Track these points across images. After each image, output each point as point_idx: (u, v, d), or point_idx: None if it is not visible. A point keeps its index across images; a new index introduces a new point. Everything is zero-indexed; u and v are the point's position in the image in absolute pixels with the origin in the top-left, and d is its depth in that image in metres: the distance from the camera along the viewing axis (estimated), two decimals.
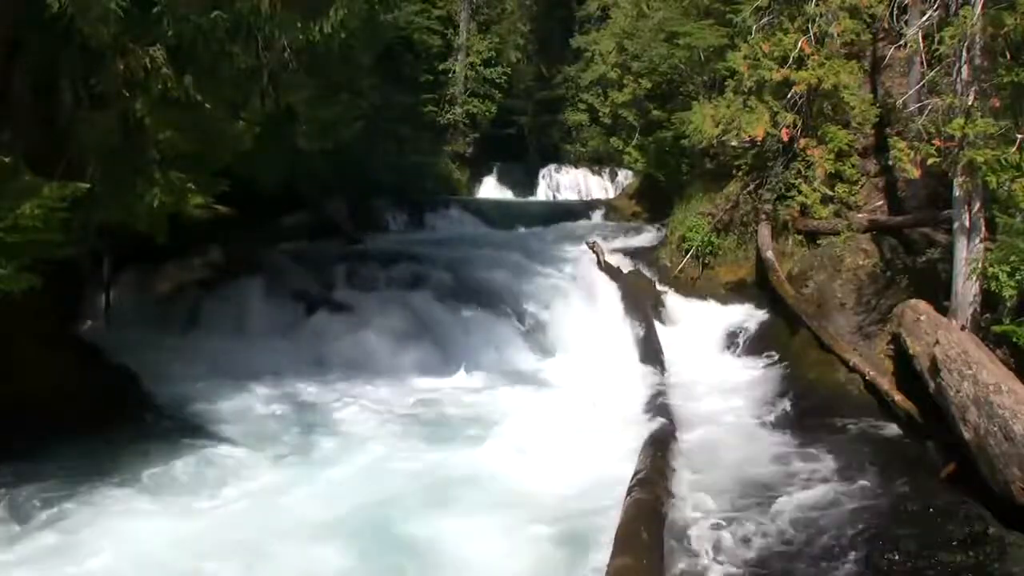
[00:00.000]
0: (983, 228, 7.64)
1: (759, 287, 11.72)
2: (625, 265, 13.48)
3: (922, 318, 7.92)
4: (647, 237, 15.78)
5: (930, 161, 7.82)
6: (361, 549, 5.65)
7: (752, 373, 10.01)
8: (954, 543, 5.76)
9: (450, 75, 24.31)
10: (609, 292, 12.49)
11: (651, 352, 10.58)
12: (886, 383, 8.46)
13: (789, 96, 11.66)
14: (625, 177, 23.45)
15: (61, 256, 6.43)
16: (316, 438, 7.84)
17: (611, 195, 23.41)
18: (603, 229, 17.35)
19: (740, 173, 12.81)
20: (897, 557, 5.65)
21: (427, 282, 11.84)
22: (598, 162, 25.34)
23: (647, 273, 13.14)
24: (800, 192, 11.86)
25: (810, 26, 11.51)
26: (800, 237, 11.79)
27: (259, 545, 5.68)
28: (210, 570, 5.41)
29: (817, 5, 11.45)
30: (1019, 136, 7.18)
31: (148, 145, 6.90)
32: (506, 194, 24.75)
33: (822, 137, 11.81)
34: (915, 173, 8.59)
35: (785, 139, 11.91)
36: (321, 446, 7.66)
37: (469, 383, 9.76)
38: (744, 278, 12.26)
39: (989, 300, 7.54)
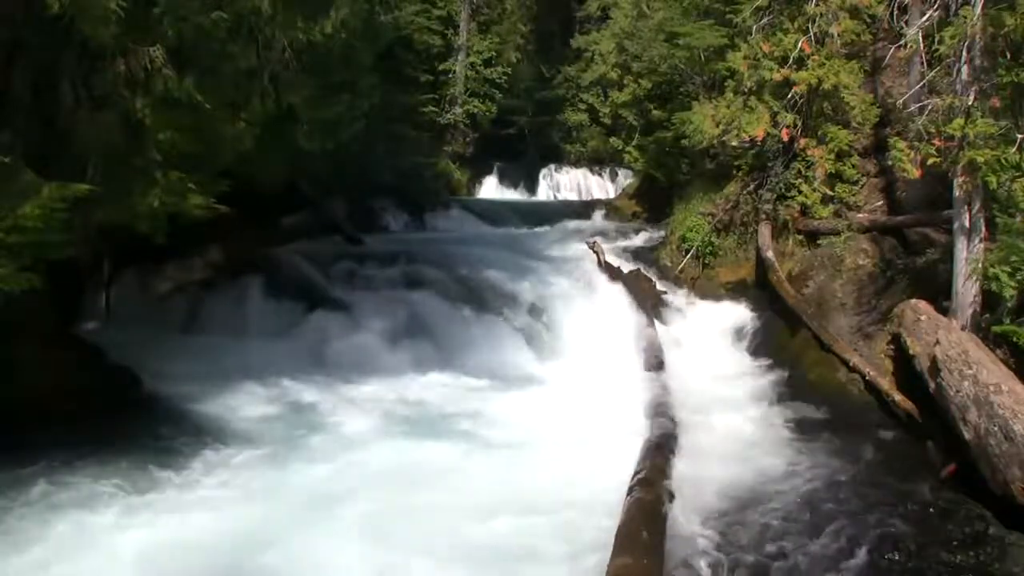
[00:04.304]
0: (983, 228, 7.64)
1: (759, 287, 11.72)
2: (625, 265, 13.49)
3: (922, 318, 7.92)
4: (647, 237, 15.78)
5: (930, 161, 7.82)
6: (347, 550, 5.64)
7: (752, 373, 10.01)
8: (954, 543, 5.77)
9: (450, 75, 24.31)
10: (609, 292, 12.49)
11: (651, 352, 10.56)
12: (886, 383, 8.46)
13: (789, 96, 11.66)
14: (625, 177, 23.47)
15: (61, 256, 6.43)
16: (312, 439, 7.81)
17: (611, 195, 23.43)
18: (603, 229, 17.35)
19: (740, 173, 12.81)
20: (897, 557, 5.66)
21: (426, 282, 11.83)
22: (598, 162, 25.37)
23: (647, 273, 13.13)
24: (800, 192, 11.87)
25: (810, 26, 11.52)
26: (800, 237, 11.79)
27: (244, 545, 5.69)
28: (201, 570, 5.43)
29: (817, 5, 11.46)
30: (1019, 136, 7.18)
31: (148, 145, 6.89)
32: (506, 194, 24.76)
33: (822, 137, 11.82)
34: (915, 173, 8.59)
35: (785, 139, 11.91)
36: (316, 447, 7.63)
37: (468, 383, 9.74)
38: (744, 278, 12.26)
39: (989, 300, 7.55)
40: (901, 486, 6.81)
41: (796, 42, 11.52)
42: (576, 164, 26.01)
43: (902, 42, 9.27)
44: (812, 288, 10.61)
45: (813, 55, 11.47)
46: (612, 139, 21.76)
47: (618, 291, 12.40)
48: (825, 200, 11.77)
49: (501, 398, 9.24)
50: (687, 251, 12.93)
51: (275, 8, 7.54)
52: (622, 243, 15.46)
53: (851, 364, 8.93)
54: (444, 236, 16.91)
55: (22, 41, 6.53)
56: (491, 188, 25.13)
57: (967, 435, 6.37)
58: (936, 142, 7.72)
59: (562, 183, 25.38)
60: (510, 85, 25.67)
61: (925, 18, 8.40)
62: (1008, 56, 7.32)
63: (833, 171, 11.83)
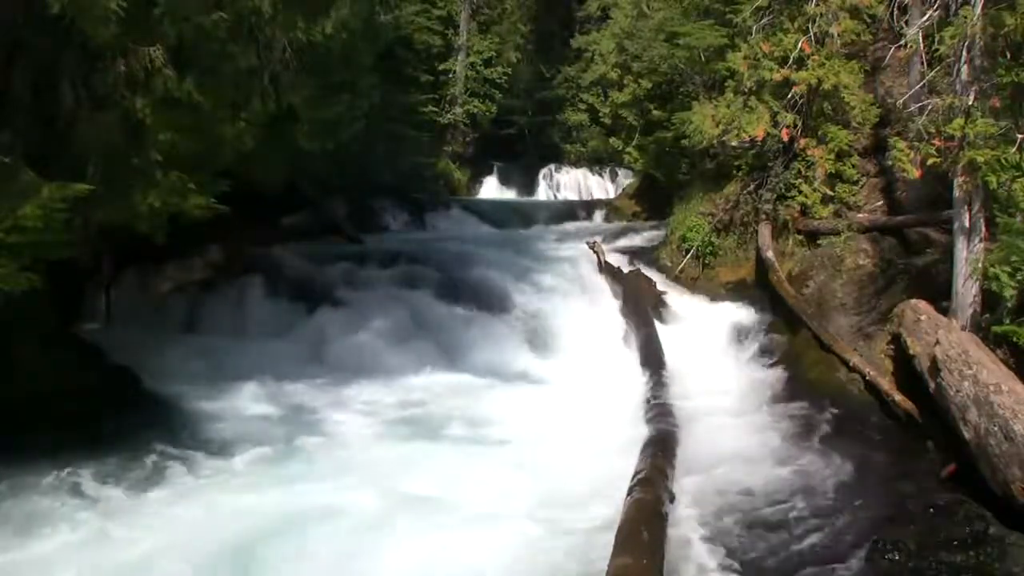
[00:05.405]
0: (983, 228, 7.64)
1: (759, 287, 11.71)
2: (625, 265, 13.49)
3: (922, 318, 7.92)
4: (647, 237, 15.77)
5: (930, 161, 7.82)
6: (335, 553, 5.63)
7: (752, 373, 10.00)
8: (954, 543, 5.76)
9: (450, 75, 24.32)
10: (609, 292, 12.50)
11: (652, 352, 10.56)
12: (886, 383, 8.45)
13: (789, 96, 11.66)
14: (625, 177, 23.48)
15: (61, 256, 6.43)
16: (312, 440, 7.77)
17: (611, 195, 23.44)
18: (603, 229, 17.36)
19: (740, 173, 12.80)
20: (897, 557, 5.65)
21: (426, 282, 11.84)
22: (598, 162, 25.39)
23: (648, 273, 13.12)
24: (800, 192, 11.86)
25: (810, 26, 11.51)
26: (800, 237, 11.78)
27: (243, 545, 5.67)
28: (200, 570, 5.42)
29: (817, 5, 11.45)
30: (1019, 136, 7.18)
31: (148, 145, 6.90)
32: (506, 194, 24.79)
33: (822, 137, 11.82)
34: (915, 173, 8.59)
35: (785, 139, 11.90)
36: (317, 448, 7.60)
37: (469, 383, 9.75)
38: (744, 278, 12.25)
39: (989, 300, 7.54)
40: (901, 486, 6.81)
41: (796, 42, 11.52)
42: (576, 164, 26.03)
43: (902, 42, 9.27)
44: (812, 288, 10.60)
45: (813, 55, 11.46)
46: (612, 139, 21.75)
47: (618, 291, 12.40)
48: (825, 200, 11.76)
49: (502, 398, 9.25)
50: (687, 251, 12.93)
51: (275, 8, 7.55)
52: (622, 243, 15.45)
53: (851, 364, 8.93)
54: (444, 236, 16.90)
55: (22, 41, 6.53)
56: (491, 188, 25.15)
57: (967, 435, 6.37)
58: (936, 142, 7.71)
59: (562, 183, 25.40)
60: (510, 85, 25.69)
61: (925, 18, 8.40)
62: (1008, 56, 7.32)
63: (833, 171, 11.82)
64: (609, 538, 5.41)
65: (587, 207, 21.26)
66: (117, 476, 6.69)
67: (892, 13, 10.40)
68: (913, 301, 8.37)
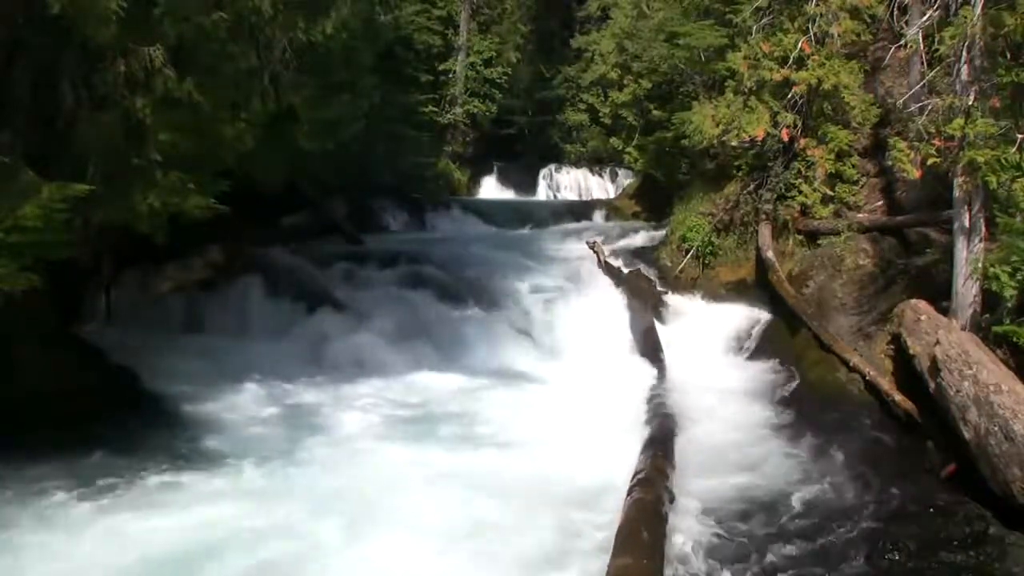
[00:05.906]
0: (983, 228, 7.64)
1: (759, 287, 11.71)
2: (625, 265, 13.49)
3: (922, 318, 7.92)
4: (647, 237, 15.77)
5: (930, 161, 7.82)
6: (344, 552, 5.59)
7: (752, 373, 10.01)
8: (954, 543, 5.77)
9: (450, 75, 24.34)
10: (609, 292, 12.50)
11: (651, 352, 10.57)
12: (886, 383, 8.45)
13: (789, 96, 11.66)
14: (625, 177, 23.50)
15: (61, 256, 6.43)
16: (312, 440, 7.75)
17: (611, 195, 23.46)
18: (603, 229, 17.36)
19: (740, 173, 12.79)
20: (897, 557, 5.66)
21: (426, 282, 11.84)
22: (598, 162, 25.41)
23: (647, 273, 13.14)
24: (800, 192, 11.86)
25: (810, 26, 11.51)
26: (800, 237, 11.78)
27: (242, 546, 5.63)
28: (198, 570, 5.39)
29: (817, 5, 11.46)
30: (1019, 136, 7.19)
31: (148, 145, 6.89)
32: (506, 194, 24.81)
33: (822, 137, 11.82)
34: (915, 173, 8.60)
35: (785, 139, 11.90)
36: (316, 448, 7.56)
37: (468, 383, 9.74)
38: (744, 278, 12.25)
39: (989, 300, 7.55)
40: (901, 486, 6.81)
41: (796, 42, 11.52)
42: (576, 164, 26.06)
43: (902, 42, 9.28)
44: (812, 288, 10.60)
45: (813, 55, 11.46)
46: (612, 139, 21.78)
47: (618, 291, 12.40)
48: (825, 200, 11.76)
49: (501, 398, 9.24)
50: (687, 251, 12.93)
51: (275, 8, 7.56)
52: (622, 243, 15.46)
53: (851, 364, 8.93)
54: (444, 236, 16.92)
55: (22, 41, 6.53)
56: (491, 188, 25.17)
57: (967, 435, 6.37)
58: (936, 142, 7.72)
59: (562, 183, 25.42)
60: (510, 85, 25.71)
61: (925, 18, 8.39)
62: (1008, 56, 7.32)
63: (833, 171, 11.82)
64: (607, 539, 5.41)
65: (587, 207, 21.28)
66: (116, 476, 6.64)
67: (892, 13, 10.40)
68: (913, 301, 8.37)
